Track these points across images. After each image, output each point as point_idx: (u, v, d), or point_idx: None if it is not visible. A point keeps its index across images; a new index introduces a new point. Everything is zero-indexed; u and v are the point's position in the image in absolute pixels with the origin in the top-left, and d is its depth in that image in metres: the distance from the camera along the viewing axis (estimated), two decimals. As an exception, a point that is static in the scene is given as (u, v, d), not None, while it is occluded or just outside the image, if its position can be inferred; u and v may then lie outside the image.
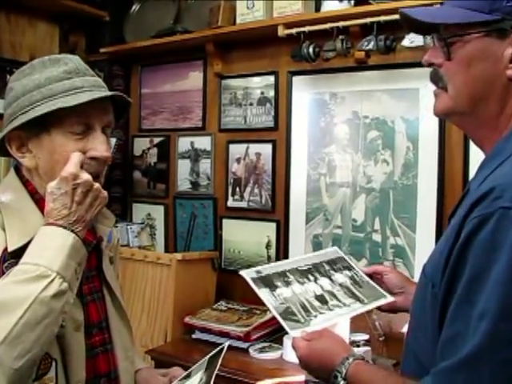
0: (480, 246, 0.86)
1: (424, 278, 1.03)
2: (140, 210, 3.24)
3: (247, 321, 2.40)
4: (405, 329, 1.96)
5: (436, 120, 2.24)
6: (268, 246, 2.75)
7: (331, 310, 1.34)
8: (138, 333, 2.59)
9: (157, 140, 3.18)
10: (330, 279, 1.47)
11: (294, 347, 1.21)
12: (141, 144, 3.26)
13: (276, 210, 2.75)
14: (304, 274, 1.45)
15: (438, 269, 0.94)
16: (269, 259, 2.73)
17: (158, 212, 3.15)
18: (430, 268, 1.00)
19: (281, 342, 2.27)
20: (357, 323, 2.14)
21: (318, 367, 1.16)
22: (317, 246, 2.58)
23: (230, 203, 2.90)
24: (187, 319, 2.46)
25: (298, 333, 1.23)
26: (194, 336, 2.45)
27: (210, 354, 1.33)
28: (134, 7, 3.21)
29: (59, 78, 1.17)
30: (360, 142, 2.49)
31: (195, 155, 3.01)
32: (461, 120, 1.07)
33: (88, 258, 1.23)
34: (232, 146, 2.88)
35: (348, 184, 2.52)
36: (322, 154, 2.59)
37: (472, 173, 2.08)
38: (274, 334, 2.40)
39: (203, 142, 2.98)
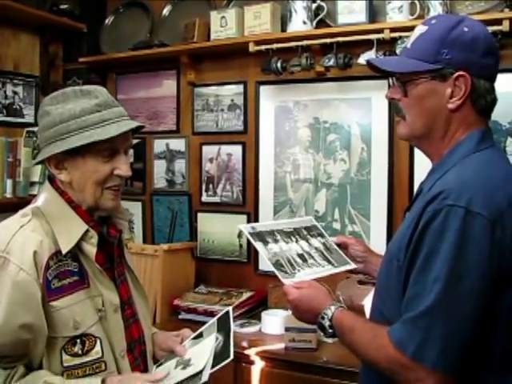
0: (433, 231, 1.18)
1: (389, 255, 1.36)
2: (118, 207, 3.50)
3: (228, 301, 2.74)
4: (364, 302, 2.38)
5: (386, 125, 2.66)
6: (239, 235, 3.08)
7: (310, 267, 1.60)
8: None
9: (133, 142, 3.44)
10: (308, 242, 1.72)
11: (285, 293, 1.47)
12: (117, 145, 3.50)
13: (246, 204, 3.09)
14: (288, 235, 1.70)
15: (402, 248, 1.28)
16: (240, 247, 3.08)
17: (135, 208, 3.42)
18: (396, 248, 1.32)
19: (258, 318, 2.64)
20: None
21: (308, 309, 1.44)
22: (284, 234, 2.95)
23: (204, 198, 3.22)
24: (176, 302, 2.79)
25: (288, 281, 1.49)
26: (180, 317, 2.77)
27: (217, 317, 1.61)
28: (107, 20, 3.46)
29: (91, 110, 1.40)
30: (320, 144, 2.87)
31: (170, 156, 3.31)
32: (418, 141, 1.41)
33: (114, 248, 1.55)
34: (205, 148, 3.20)
35: (310, 180, 2.91)
36: (287, 154, 2.96)
37: (417, 171, 2.56)
38: (252, 311, 2.76)
39: (178, 144, 3.28)
